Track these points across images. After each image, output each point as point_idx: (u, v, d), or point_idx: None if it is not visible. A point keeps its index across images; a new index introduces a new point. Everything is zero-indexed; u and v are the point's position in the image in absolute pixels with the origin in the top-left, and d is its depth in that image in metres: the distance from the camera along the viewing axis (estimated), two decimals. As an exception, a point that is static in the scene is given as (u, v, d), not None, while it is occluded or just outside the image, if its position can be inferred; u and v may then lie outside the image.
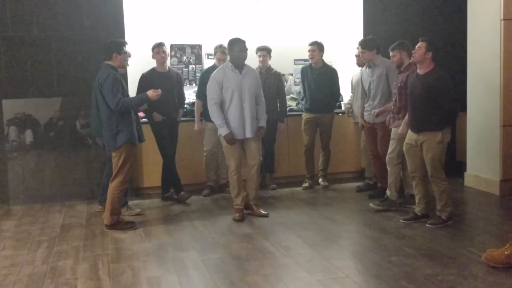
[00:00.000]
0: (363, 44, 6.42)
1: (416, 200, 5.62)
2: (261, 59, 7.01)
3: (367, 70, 6.44)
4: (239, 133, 5.83)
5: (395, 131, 5.87)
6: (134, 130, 5.56)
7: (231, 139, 5.79)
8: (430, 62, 5.32)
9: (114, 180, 5.54)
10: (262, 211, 5.98)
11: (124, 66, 5.83)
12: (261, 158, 6.06)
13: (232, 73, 5.82)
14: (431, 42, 5.34)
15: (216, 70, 6.04)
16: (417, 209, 5.60)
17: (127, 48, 5.84)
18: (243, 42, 5.86)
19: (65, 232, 5.62)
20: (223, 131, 5.79)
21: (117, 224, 5.60)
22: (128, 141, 5.48)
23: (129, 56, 6.21)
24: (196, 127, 7.00)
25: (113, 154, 5.56)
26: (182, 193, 6.73)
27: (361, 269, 4.50)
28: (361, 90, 6.62)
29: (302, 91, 7.43)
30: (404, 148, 5.60)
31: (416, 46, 5.37)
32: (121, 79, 5.54)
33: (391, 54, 5.98)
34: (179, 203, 6.67)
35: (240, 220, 5.85)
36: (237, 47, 5.81)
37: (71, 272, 4.48)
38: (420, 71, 5.38)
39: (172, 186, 6.84)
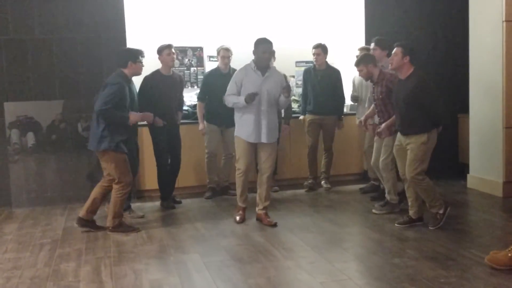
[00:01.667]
0: (377, 42, 6.44)
1: (409, 203, 5.57)
2: None
3: None
4: (254, 136, 5.70)
5: (391, 139, 5.86)
6: (118, 139, 5.45)
7: (251, 95, 5.55)
8: (409, 66, 5.32)
9: (117, 184, 5.52)
10: (271, 221, 5.78)
11: (139, 74, 5.80)
12: (273, 167, 5.93)
13: (254, 74, 5.69)
14: (406, 45, 5.35)
15: (239, 69, 5.92)
16: (411, 212, 5.55)
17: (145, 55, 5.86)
18: (269, 43, 5.68)
19: (67, 234, 5.61)
20: (241, 99, 5.59)
21: (120, 226, 5.60)
22: (109, 148, 5.41)
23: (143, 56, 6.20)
24: (200, 127, 6.95)
25: (103, 162, 5.54)
26: (168, 201, 6.63)
27: (363, 271, 4.48)
28: (370, 93, 6.56)
29: (303, 93, 7.41)
30: (394, 150, 5.59)
31: (393, 53, 5.37)
32: (127, 93, 5.50)
33: (357, 69, 6.02)
34: (163, 208, 6.61)
35: (241, 221, 5.85)
36: (261, 47, 5.63)
37: (73, 274, 4.47)
38: (401, 76, 5.39)
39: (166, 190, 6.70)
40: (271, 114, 5.74)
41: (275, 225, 5.71)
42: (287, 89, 5.71)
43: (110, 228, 5.58)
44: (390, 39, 6.53)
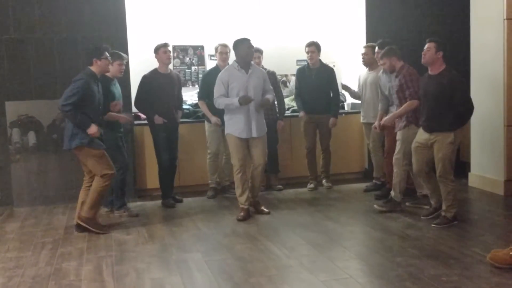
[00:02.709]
0: (380, 45, 6.46)
1: (430, 195, 5.66)
2: (257, 60, 6.90)
3: (384, 75, 6.39)
4: (245, 132, 5.89)
5: (401, 133, 5.87)
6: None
7: (246, 98, 5.79)
8: (441, 62, 5.33)
9: (101, 177, 5.49)
10: (264, 209, 6.08)
11: (107, 71, 5.76)
12: (266, 159, 6.14)
13: (238, 73, 5.89)
14: (440, 41, 5.33)
15: (222, 71, 6.11)
16: (433, 201, 5.65)
17: (126, 54, 5.87)
18: (249, 40, 5.93)
19: (69, 233, 5.62)
20: (235, 101, 5.78)
21: (92, 220, 5.55)
22: (81, 144, 5.41)
23: (126, 60, 6.19)
24: (213, 120, 6.75)
25: (81, 159, 5.57)
26: (169, 199, 6.65)
27: (365, 269, 4.48)
28: (381, 94, 6.56)
29: (297, 92, 7.34)
30: (412, 147, 5.59)
31: (425, 47, 5.35)
32: (94, 89, 5.46)
33: (380, 62, 6.01)
34: (164, 207, 6.63)
35: (243, 219, 5.86)
36: (244, 45, 5.88)
37: (75, 273, 4.48)
38: (432, 71, 5.37)
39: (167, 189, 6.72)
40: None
41: (268, 213, 6.07)
42: (266, 103, 6.04)
43: (83, 217, 5.53)
44: (392, 41, 6.52)
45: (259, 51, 7.02)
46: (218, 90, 5.92)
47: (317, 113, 7.16)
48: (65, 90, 5.43)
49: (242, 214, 5.92)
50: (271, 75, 7.07)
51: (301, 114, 7.28)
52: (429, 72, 5.42)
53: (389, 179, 6.58)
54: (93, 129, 5.41)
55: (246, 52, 5.88)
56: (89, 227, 5.52)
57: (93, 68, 5.53)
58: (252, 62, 6.09)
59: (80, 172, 6.90)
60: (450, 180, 5.38)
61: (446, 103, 5.24)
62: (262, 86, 5.99)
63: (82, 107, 5.35)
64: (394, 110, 6.34)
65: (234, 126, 5.91)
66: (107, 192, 5.73)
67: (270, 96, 6.05)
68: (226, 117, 6.00)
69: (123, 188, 6.21)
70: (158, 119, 6.44)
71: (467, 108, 5.35)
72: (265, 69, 7.02)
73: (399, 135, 5.91)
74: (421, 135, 5.48)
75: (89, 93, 5.41)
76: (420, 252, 4.68)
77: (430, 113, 5.38)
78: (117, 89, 6.10)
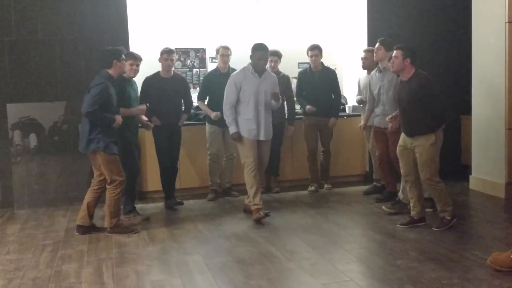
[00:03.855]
0: (382, 42, 6.46)
1: (411, 204, 5.59)
2: (272, 64, 6.86)
3: (377, 74, 6.42)
4: (254, 134, 5.99)
5: None
6: (107, 140, 5.45)
7: (238, 137, 5.98)
8: (410, 67, 5.35)
9: (110, 184, 5.51)
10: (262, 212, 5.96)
11: (124, 72, 5.81)
12: (267, 163, 6.25)
13: (252, 76, 5.99)
14: (406, 48, 5.37)
15: (237, 71, 6.18)
16: (413, 212, 5.57)
17: (139, 53, 5.93)
18: (264, 50, 5.97)
19: (69, 236, 5.62)
20: (231, 130, 5.98)
21: (118, 227, 5.60)
22: (98, 149, 5.43)
23: (140, 60, 6.19)
24: (213, 115, 6.73)
25: (94, 163, 5.59)
26: (171, 200, 6.67)
27: (365, 272, 4.48)
28: (369, 94, 6.60)
29: (299, 96, 7.32)
30: (397, 150, 5.59)
31: (393, 56, 5.39)
32: (113, 92, 5.50)
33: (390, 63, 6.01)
34: (167, 208, 6.65)
35: (264, 217, 5.86)
36: (257, 54, 5.96)
37: (75, 276, 4.48)
38: (403, 77, 5.40)
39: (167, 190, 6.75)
40: (267, 113, 6.10)
41: (268, 215, 5.99)
42: (276, 96, 6.07)
43: (109, 229, 5.58)
44: (396, 41, 6.52)
45: (277, 55, 6.98)
46: (230, 93, 5.99)
47: (319, 116, 7.15)
48: (87, 96, 5.42)
49: (258, 214, 5.83)
50: (285, 79, 7.07)
51: (308, 107, 7.14)
52: (401, 78, 5.44)
53: (387, 183, 6.61)
54: (117, 120, 5.51)
55: (256, 62, 5.96)
56: (118, 233, 5.55)
57: (111, 71, 5.55)
58: (267, 67, 6.22)
59: (81, 174, 6.96)
60: (437, 182, 5.36)
61: (419, 106, 5.25)
62: (272, 92, 6.07)
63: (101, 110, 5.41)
64: (380, 111, 6.35)
65: (245, 127, 5.98)
66: (121, 198, 5.72)
67: (274, 101, 6.10)
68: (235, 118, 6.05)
69: (132, 193, 6.22)
70: (156, 121, 6.45)
71: (441, 108, 5.33)
72: (280, 72, 7.02)
73: None
74: (404, 138, 5.49)
75: (109, 97, 5.45)
76: (421, 255, 4.67)
77: (406, 118, 5.40)
78: (133, 90, 6.13)
